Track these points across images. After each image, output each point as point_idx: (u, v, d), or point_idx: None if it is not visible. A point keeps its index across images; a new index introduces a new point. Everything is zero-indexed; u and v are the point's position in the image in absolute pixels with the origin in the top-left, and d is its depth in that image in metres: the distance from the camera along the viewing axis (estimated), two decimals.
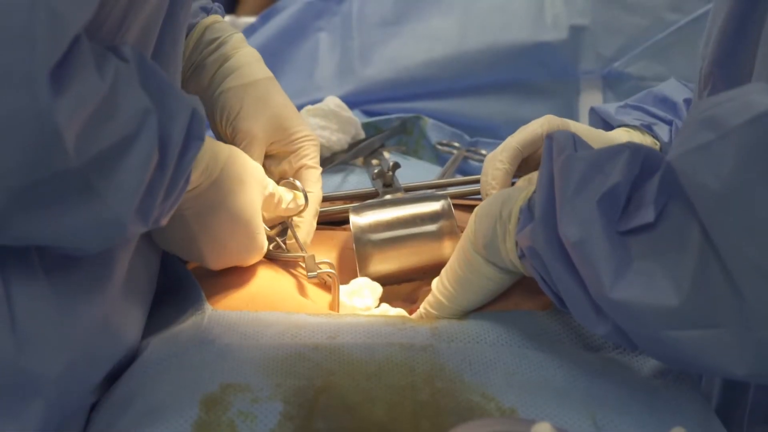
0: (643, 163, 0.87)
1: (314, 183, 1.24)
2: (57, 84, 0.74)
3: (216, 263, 1.13)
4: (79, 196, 0.80)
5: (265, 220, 1.15)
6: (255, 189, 1.10)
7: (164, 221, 0.95)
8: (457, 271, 1.07)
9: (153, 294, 1.11)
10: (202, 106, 0.94)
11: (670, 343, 0.82)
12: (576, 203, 0.88)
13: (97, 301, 0.93)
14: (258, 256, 1.15)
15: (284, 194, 1.18)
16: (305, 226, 1.22)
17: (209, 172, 1.03)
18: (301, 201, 1.20)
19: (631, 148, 0.88)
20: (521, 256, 0.99)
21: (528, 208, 0.97)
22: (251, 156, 1.14)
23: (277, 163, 1.25)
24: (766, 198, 0.74)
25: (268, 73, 1.25)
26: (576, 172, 0.89)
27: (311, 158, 1.24)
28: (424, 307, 1.13)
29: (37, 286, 0.86)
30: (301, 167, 1.23)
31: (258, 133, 1.20)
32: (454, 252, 1.10)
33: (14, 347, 0.84)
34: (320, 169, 1.25)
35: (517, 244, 0.99)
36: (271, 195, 1.14)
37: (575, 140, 0.92)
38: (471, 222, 1.07)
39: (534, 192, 0.98)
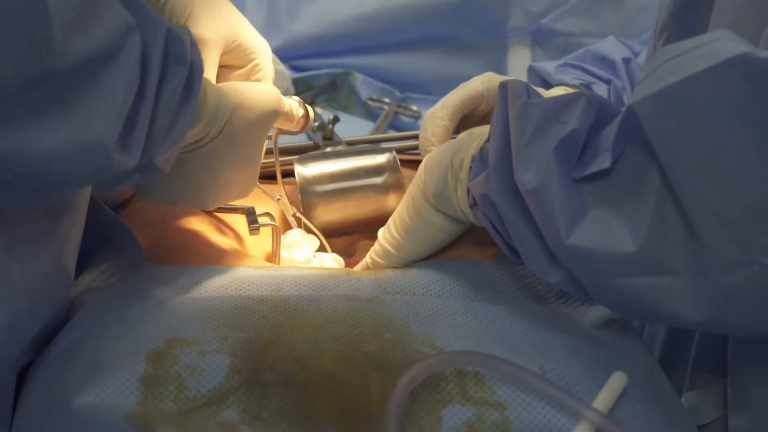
0: (598, 112, 0.87)
1: None
2: None
3: (214, 205, 1.12)
4: (58, 112, 0.75)
5: None
6: (264, 128, 1.06)
7: (165, 167, 0.89)
8: (406, 220, 1.07)
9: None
10: (188, 32, 0.88)
11: (625, 291, 0.82)
12: (532, 150, 0.87)
13: (43, 254, 0.91)
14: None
15: (298, 110, 1.15)
16: None
17: (219, 123, 0.98)
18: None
19: (587, 96, 0.88)
20: (472, 205, 0.99)
21: (480, 157, 0.97)
22: (206, 63, 1.07)
23: (228, 74, 1.17)
24: (729, 145, 0.74)
25: None
26: (532, 119, 0.88)
27: (266, 73, 1.16)
28: (370, 256, 1.12)
29: None
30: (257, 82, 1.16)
31: (211, 37, 1.10)
32: (402, 201, 1.09)
33: None
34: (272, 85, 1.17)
35: (468, 192, 0.98)
36: (289, 115, 1.13)
37: (528, 89, 0.92)
38: (420, 171, 1.06)
39: (486, 141, 0.98)
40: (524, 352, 0.92)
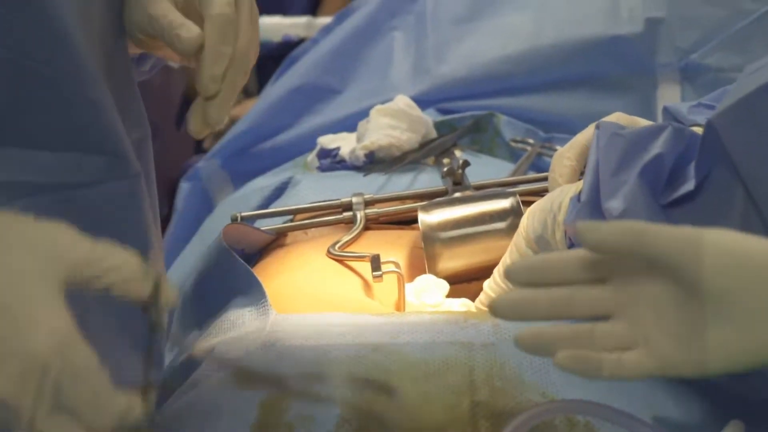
0: (689, 143, 0.85)
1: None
2: None
3: None
4: None
5: None
6: None
7: None
8: None
9: None
10: None
11: None
12: (618, 176, 0.86)
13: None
14: None
15: None
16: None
17: None
18: None
19: (675, 126, 0.86)
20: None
21: (578, 198, 0.96)
22: None
23: None
24: None
25: None
26: (618, 148, 0.87)
27: None
28: (476, 306, 1.12)
29: None
30: None
31: None
32: (507, 250, 1.09)
33: None
34: None
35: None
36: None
37: (619, 126, 0.91)
38: (524, 218, 1.06)
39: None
40: (638, 398, 0.90)
